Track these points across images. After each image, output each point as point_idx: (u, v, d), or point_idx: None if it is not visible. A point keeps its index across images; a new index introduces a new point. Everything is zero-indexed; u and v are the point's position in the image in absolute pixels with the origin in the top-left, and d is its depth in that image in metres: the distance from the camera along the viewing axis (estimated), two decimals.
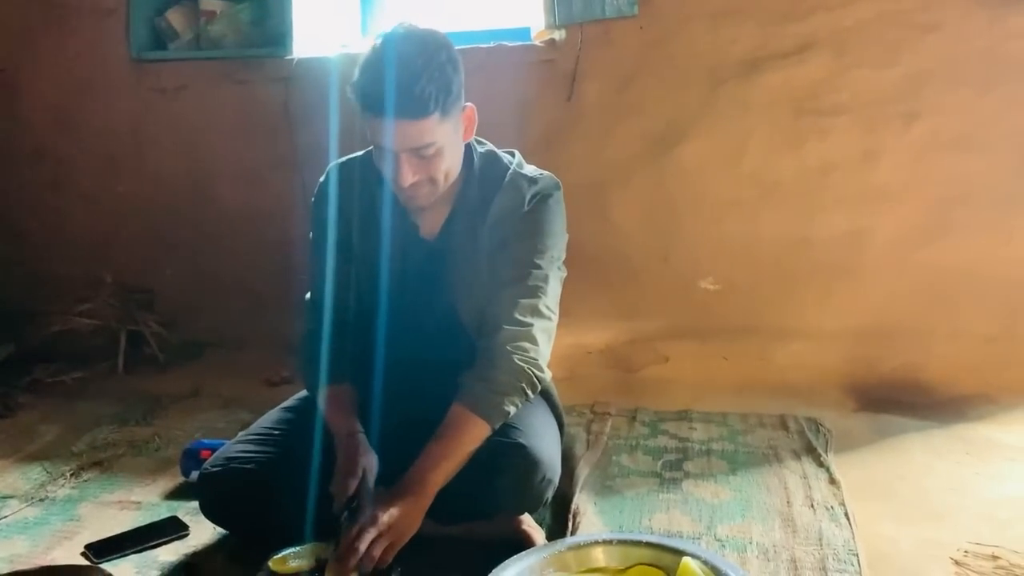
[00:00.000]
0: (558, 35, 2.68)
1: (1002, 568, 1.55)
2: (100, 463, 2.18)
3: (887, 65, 2.47)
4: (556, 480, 1.59)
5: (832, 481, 1.93)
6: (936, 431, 2.23)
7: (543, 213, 1.63)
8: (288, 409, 1.81)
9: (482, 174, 1.63)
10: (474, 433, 1.53)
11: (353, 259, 1.70)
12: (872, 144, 2.52)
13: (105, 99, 3.06)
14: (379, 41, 1.47)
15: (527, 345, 1.58)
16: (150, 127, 3.06)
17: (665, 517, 1.79)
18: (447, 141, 1.49)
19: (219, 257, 3.07)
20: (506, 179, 1.62)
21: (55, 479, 2.07)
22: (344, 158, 1.75)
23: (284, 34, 2.90)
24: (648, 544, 1.42)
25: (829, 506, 1.81)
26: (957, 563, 1.58)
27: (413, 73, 1.41)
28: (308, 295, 1.77)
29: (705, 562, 1.38)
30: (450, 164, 1.53)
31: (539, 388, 1.60)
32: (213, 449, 1.90)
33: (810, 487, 1.91)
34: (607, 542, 1.45)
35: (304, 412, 1.74)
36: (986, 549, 1.61)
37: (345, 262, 1.70)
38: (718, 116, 2.60)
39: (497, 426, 1.54)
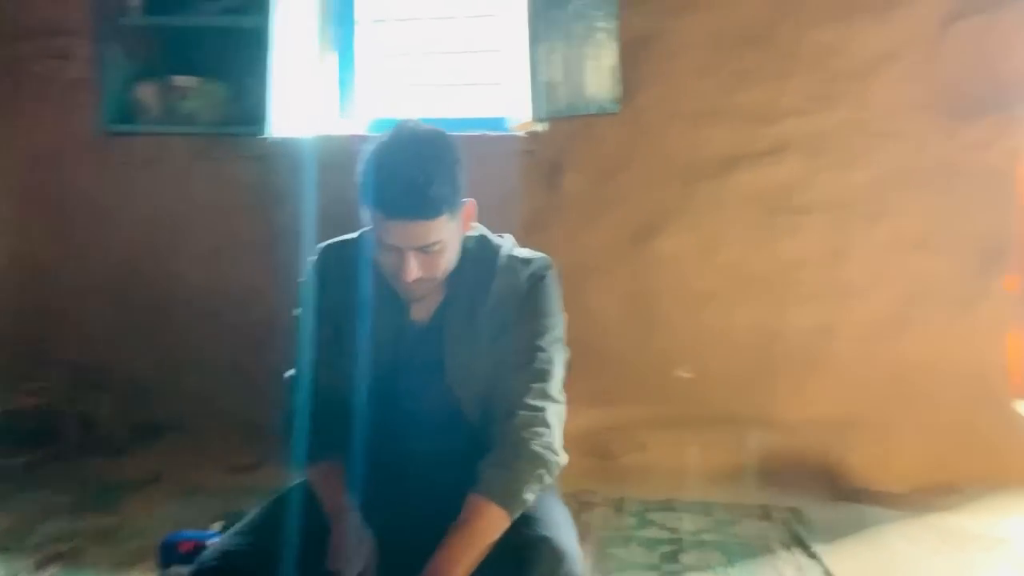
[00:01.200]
0: (541, 127, 2.75)
1: None
2: (62, 556, 2.05)
3: (854, 168, 2.62)
4: (579, 573, 1.57)
5: (826, 574, 1.96)
6: (911, 521, 2.31)
7: (541, 294, 1.63)
8: (282, 498, 1.74)
9: (475, 257, 1.63)
10: (495, 523, 1.49)
11: (344, 343, 1.67)
12: (840, 242, 2.65)
13: (72, 171, 2.98)
14: (389, 139, 1.49)
15: (542, 430, 1.57)
16: (115, 200, 2.99)
17: None
18: (451, 237, 1.51)
19: (180, 337, 2.98)
20: (501, 262, 1.62)
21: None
22: (333, 240, 1.73)
23: (260, 113, 2.89)
24: None
25: None
26: None
27: (427, 175, 1.43)
28: (291, 374, 1.73)
29: None
30: (451, 258, 1.55)
31: (555, 473, 1.60)
32: (193, 541, 1.82)
33: None
34: None
35: (300, 499, 1.68)
36: None
37: (334, 344, 1.67)
38: (695, 211, 2.70)
39: (517, 515, 1.52)
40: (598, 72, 2.66)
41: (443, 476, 1.69)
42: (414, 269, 1.48)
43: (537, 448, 1.54)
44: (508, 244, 1.69)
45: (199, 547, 1.82)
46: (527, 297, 1.62)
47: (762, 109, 2.65)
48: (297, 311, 1.74)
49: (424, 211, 1.44)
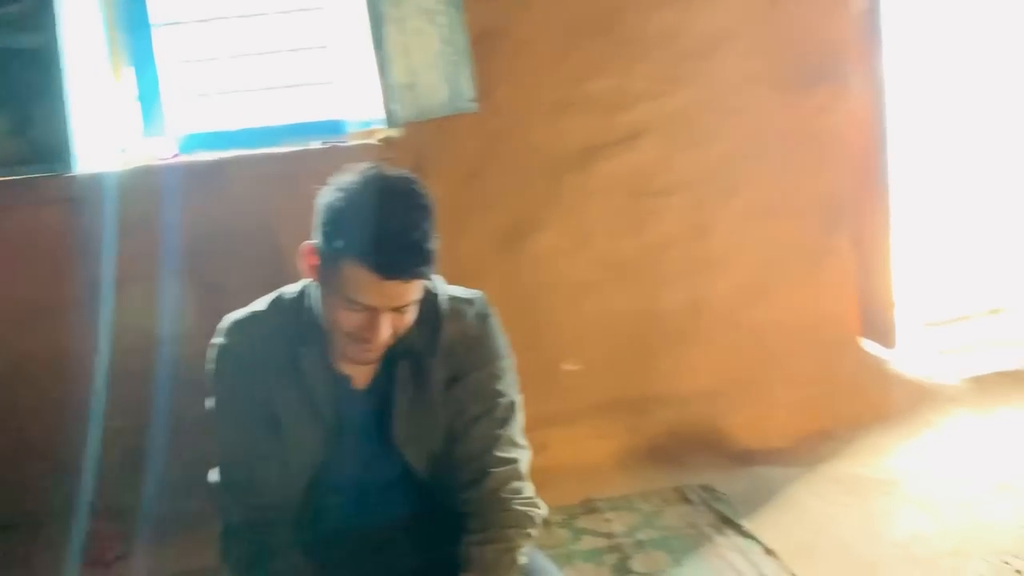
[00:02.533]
0: (395, 133, 2.58)
1: None
2: None
3: (706, 146, 2.69)
4: None
5: (768, 552, 2.05)
6: (808, 476, 2.47)
7: (491, 335, 1.54)
8: None
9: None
10: None
11: (282, 428, 1.50)
12: (700, 219, 2.73)
13: None
14: (364, 189, 1.34)
15: (520, 485, 1.51)
16: None
17: None
18: (421, 294, 1.41)
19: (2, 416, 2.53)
20: (444, 306, 1.51)
21: None
22: (240, 316, 1.53)
23: (60, 146, 2.47)
24: None
25: None
26: None
27: (423, 232, 1.32)
28: (220, 481, 1.52)
29: None
30: (415, 314, 1.43)
31: (539, 527, 1.53)
32: None
33: (754, 563, 2.02)
34: None
35: None
36: None
37: (270, 435, 1.49)
38: (563, 204, 2.66)
39: None
40: (450, 70, 2.52)
41: (401, 546, 1.60)
42: (385, 331, 1.36)
43: (521, 508, 1.48)
44: (441, 284, 1.57)
45: None
46: (477, 340, 1.52)
47: (615, 96, 2.64)
48: (213, 404, 1.53)
49: (423, 271, 1.33)
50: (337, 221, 1.34)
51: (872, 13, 2.69)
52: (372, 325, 1.34)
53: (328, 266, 1.35)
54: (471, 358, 1.51)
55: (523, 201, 2.65)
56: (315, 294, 1.42)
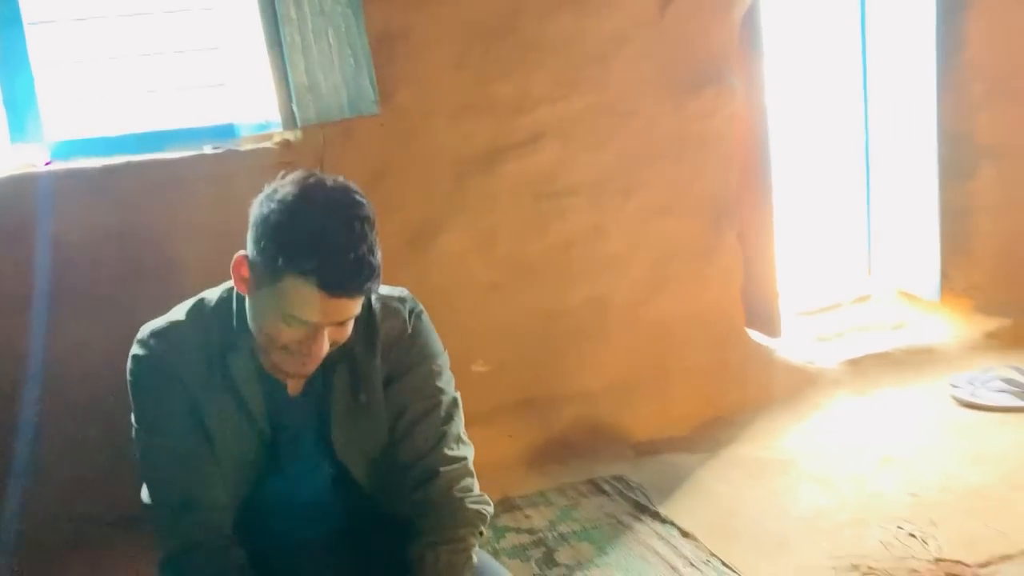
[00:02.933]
0: (293, 136, 2.52)
1: (867, 573, 1.89)
2: None
3: (603, 149, 2.78)
4: None
5: (685, 534, 2.14)
6: (710, 462, 2.58)
7: (427, 333, 1.55)
8: None
9: None
10: None
11: (212, 441, 1.44)
12: (599, 219, 2.81)
13: None
14: (303, 202, 1.29)
15: (470, 482, 1.53)
16: None
17: None
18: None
19: None
20: (377, 305, 1.49)
21: None
22: (157, 326, 1.47)
23: None
24: None
25: (705, 560, 2.02)
26: None
27: (370, 248, 1.29)
28: (152, 502, 1.45)
29: None
30: (352, 325, 1.40)
31: (487, 525, 1.54)
32: None
33: (674, 546, 2.10)
34: None
35: None
36: (843, 561, 1.94)
37: (200, 448, 1.44)
38: (468, 206, 2.68)
39: None
40: (351, 72, 2.48)
41: (341, 556, 1.59)
42: (325, 346, 1.33)
43: (473, 506, 1.49)
44: None
45: None
46: (413, 338, 1.52)
47: (516, 100, 2.69)
48: (135, 418, 1.45)
49: (371, 286, 1.30)
50: (276, 236, 1.28)
51: (752, 21, 2.85)
52: (312, 339, 1.32)
53: (265, 281, 1.31)
54: (409, 356, 1.49)
55: (429, 203, 2.65)
56: (245, 304, 1.37)
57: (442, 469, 1.47)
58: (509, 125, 2.68)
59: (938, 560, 1.91)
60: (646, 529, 2.19)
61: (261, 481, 1.49)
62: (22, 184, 2.39)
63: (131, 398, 1.45)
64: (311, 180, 1.33)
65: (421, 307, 1.56)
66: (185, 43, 2.72)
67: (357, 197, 1.34)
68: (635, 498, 2.36)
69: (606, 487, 2.45)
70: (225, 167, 2.47)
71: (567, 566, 2.05)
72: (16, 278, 2.33)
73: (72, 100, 2.69)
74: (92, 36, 2.69)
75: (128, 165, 2.43)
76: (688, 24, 2.79)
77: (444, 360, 1.56)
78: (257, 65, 2.53)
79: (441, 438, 1.49)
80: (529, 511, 2.35)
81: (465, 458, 1.52)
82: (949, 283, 3.29)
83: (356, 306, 1.32)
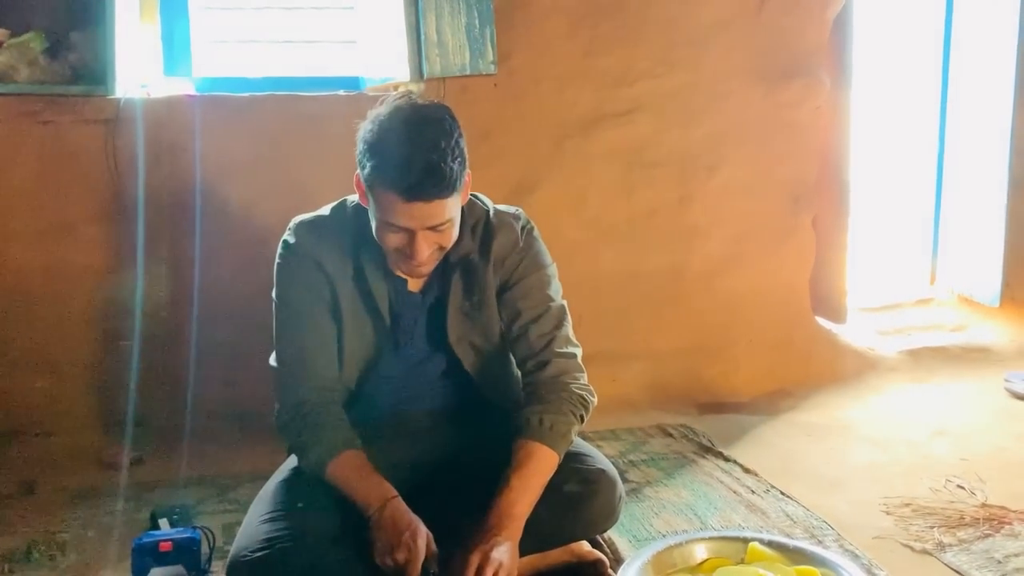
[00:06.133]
0: (416, 87, 2.78)
1: (915, 510, 2.06)
2: None
3: (693, 126, 2.99)
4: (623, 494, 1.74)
5: (747, 471, 2.32)
6: (771, 422, 2.76)
7: (537, 246, 1.74)
8: (288, 481, 1.69)
9: (465, 219, 1.66)
10: (548, 464, 1.61)
11: (341, 321, 1.67)
12: (684, 191, 3.01)
13: None
14: (391, 117, 1.49)
15: (578, 374, 1.72)
16: None
17: (661, 520, 2.02)
18: (457, 211, 1.55)
19: (13, 329, 2.60)
20: (494, 220, 1.69)
21: None
22: (305, 217, 1.71)
23: (103, 70, 2.57)
24: (744, 539, 1.63)
25: (766, 490, 2.19)
26: (887, 513, 2.05)
27: (442, 155, 1.45)
28: (278, 364, 1.69)
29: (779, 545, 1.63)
30: (456, 231, 1.58)
31: (590, 412, 1.73)
32: (172, 540, 1.72)
33: (736, 478, 2.28)
34: (701, 539, 1.64)
35: (311, 482, 1.64)
36: (895, 500, 2.11)
37: (328, 325, 1.66)
38: (564, 167, 2.91)
39: (563, 453, 1.64)
40: (474, 34, 2.74)
41: (445, 431, 1.77)
42: (425, 249, 1.51)
43: (578, 391, 1.68)
44: (488, 200, 1.77)
45: (179, 545, 1.71)
46: (526, 250, 1.72)
47: (618, 73, 2.91)
48: (276, 294, 1.68)
49: (443, 191, 1.46)
50: (367, 150, 1.49)
51: (844, 22, 3.04)
52: (411, 243, 1.51)
53: (368, 192, 1.52)
54: (521, 267, 1.70)
55: (529, 161, 2.89)
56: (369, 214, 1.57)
57: (553, 360, 1.67)
58: (609, 95, 2.91)
59: (984, 505, 2.07)
60: (710, 465, 2.38)
61: (378, 361, 1.70)
62: (176, 106, 2.68)
63: (275, 277, 1.68)
64: (402, 100, 1.53)
65: (532, 224, 1.76)
66: (323, 1, 3.01)
67: (437, 113, 1.51)
68: (700, 441, 2.55)
69: (673, 432, 2.64)
70: (354, 108, 2.70)
71: (637, 483, 2.25)
72: (168, 190, 2.62)
73: (219, 43, 3.00)
74: None
75: (269, 98, 2.71)
76: (784, 19, 2.99)
77: (553, 271, 1.77)
78: (391, 22, 2.80)
79: (552, 340, 1.68)
80: (600, 443, 2.55)
81: (575, 355, 1.72)
82: (1010, 291, 3.41)
83: (440, 211, 1.48)
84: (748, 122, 3.02)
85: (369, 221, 1.57)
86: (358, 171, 1.54)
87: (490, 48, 2.75)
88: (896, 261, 3.87)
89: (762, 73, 3.01)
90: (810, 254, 3.17)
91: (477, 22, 2.72)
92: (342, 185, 1.66)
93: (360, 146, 1.51)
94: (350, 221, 1.64)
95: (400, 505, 1.54)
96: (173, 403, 2.60)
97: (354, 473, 1.58)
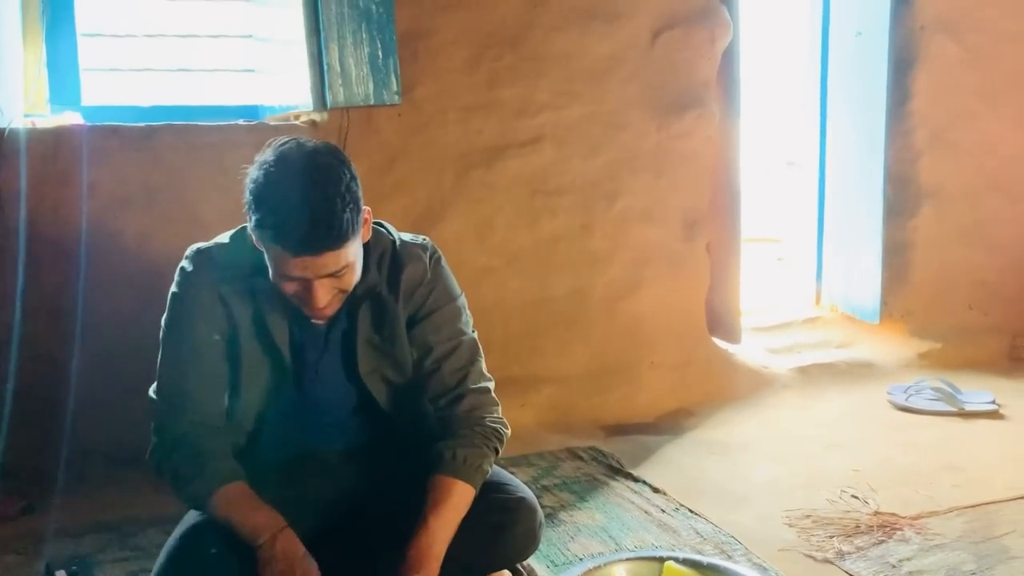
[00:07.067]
0: (319, 117, 2.76)
1: (815, 522, 2.16)
2: None
3: (594, 156, 3.07)
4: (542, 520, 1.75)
5: (656, 490, 2.38)
6: (675, 441, 2.84)
7: (446, 277, 1.73)
8: (196, 530, 1.62)
9: (370, 251, 1.64)
10: (464, 499, 1.62)
11: (239, 356, 1.62)
12: (587, 219, 3.09)
13: None
14: (277, 163, 1.45)
15: (492, 407, 1.74)
16: None
17: (578, 544, 2.06)
18: (357, 253, 1.52)
19: None
20: (401, 251, 1.67)
21: None
22: (205, 245, 1.66)
23: None
24: (660, 559, 1.68)
25: (675, 508, 2.26)
26: (790, 525, 2.14)
27: (330, 202, 1.40)
28: (157, 396, 1.62)
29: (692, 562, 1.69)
30: (358, 271, 1.55)
31: (504, 444, 1.75)
32: None
33: (646, 498, 2.34)
34: (618, 561, 1.68)
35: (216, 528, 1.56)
36: (796, 513, 2.21)
37: (220, 359, 1.61)
38: (469, 197, 2.94)
39: (479, 487, 1.66)
40: (378, 64, 2.74)
41: (347, 471, 1.74)
42: (323, 296, 1.48)
43: (492, 424, 1.70)
44: (393, 230, 1.75)
45: None
46: (434, 282, 1.70)
47: (520, 104, 2.97)
48: (166, 322, 1.64)
49: (334, 243, 1.42)
50: (253, 202, 1.44)
51: (732, 57, 3.20)
52: (308, 293, 1.47)
53: (258, 241, 1.48)
54: (431, 299, 1.69)
55: (435, 190, 2.91)
56: None
57: (467, 396, 1.68)
58: (512, 126, 2.96)
59: (877, 513, 2.19)
60: (620, 486, 2.43)
61: (284, 399, 1.66)
62: (64, 137, 2.58)
63: (168, 304, 1.62)
64: (287, 147, 1.48)
65: (440, 253, 1.76)
66: (220, 29, 2.96)
67: (325, 158, 1.47)
68: (609, 463, 2.60)
69: (582, 454, 2.69)
70: (254, 137, 2.68)
71: (552, 508, 2.27)
72: (54, 224, 2.51)
73: (108, 71, 2.90)
74: (133, 14, 2.91)
75: (165, 128, 2.64)
76: (676, 54, 3.12)
77: (462, 302, 1.76)
78: (292, 51, 2.77)
79: (466, 375, 1.69)
80: (512, 468, 2.56)
81: (488, 389, 1.73)
82: (888, 309, 3.65)
83: (337, 259, 1.44)
84: (645, 152, 3.13)
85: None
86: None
87: (394, 78, 2.76)
88: (785, 283, 4.07)
89: (657, 105, 3.12)
90: (705, 277, 3.30)
91: (380, 52, 2.73)
92: (242, 215, 1.58)
93: (246, 195, 1.46)
94: (250, 250, 1.57)
95: (292, 536, 1.51)
96: (67, 447, 2.47)
97: (241, 503, 1.53)
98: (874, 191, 3.61)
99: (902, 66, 3.53)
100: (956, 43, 3.52)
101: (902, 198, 3.61)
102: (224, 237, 1.66)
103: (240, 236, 1.62)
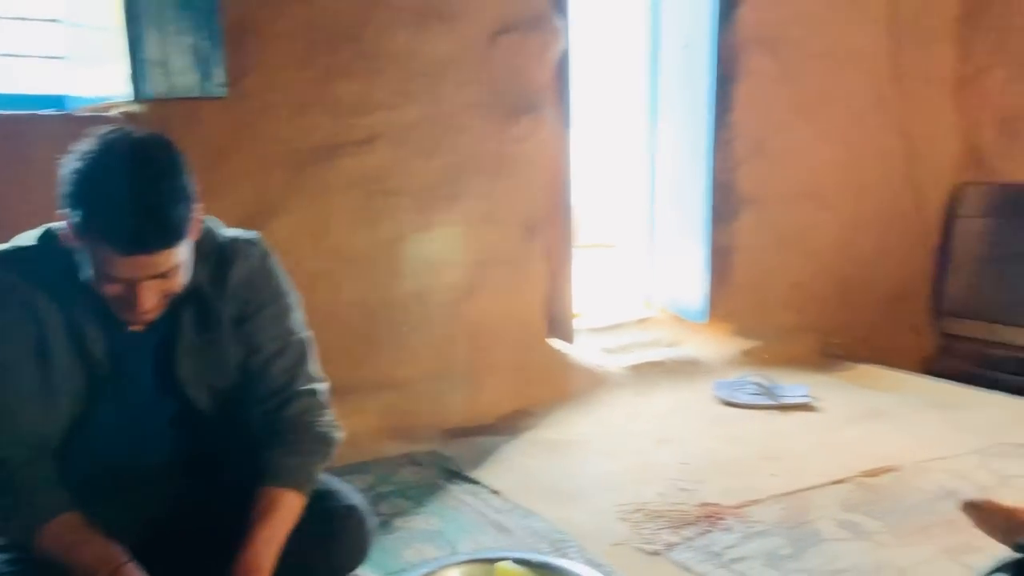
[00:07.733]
0: (138, 108, 2.59)
1: (646, 515, 2.22)
2: None
3: (433, 157, 3.04)
4: (375, 527, 1.70)
5: (493, 492, 2.39)
6: (514, 442, 2.86)
7: (276, 274, 1.64)
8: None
9: (195, 248, 1.49)
10: (293, 510, 1.54)
11: (50, 367, 1.47)
12: (426, 220, 3.06)
13: None
14: (103, 155, 1.32)
15: (322, 411, 1.67)
16: None
17: (412, 551, 2.02)
18: (187, 253, 1.42)
19: None
20: (228, 247, 1.57)
21: None
22: (8, 247, 1.50)
23: None
24: (497, 560, 1.67)
25: (511, 508, 2.27)
26: (623, 519, 2.20)
27: (163, 200, 1.31)
28: None
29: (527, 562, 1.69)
30: (187, 272, 1.44)
31: (336, 450, 1.69)
32: None
33: (483, 499, 2.34)
34: (452, 565, 1.66)
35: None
36: (628, 507, 2.27)
37: (34, 372, 1.47)
38: (304, 195, 2.84)
39: (309, 495, 1.60)
40: (202, 54, 2.60)
41: (171, 481, 1.64)
42: (149, 299, 1.38)
43: (322, 429, 1.63)
44: (218, 224, 1.64)
45: None
46: (263, 280, 1.61)
47: (356, 101, 2.90)
48: None
49: (167, 241, 1.33)
50: (75, 196, 1.30)
51: (565, 64, 3.26)
52: (133, 293, 1.36)
53: (77, 239, 1.33)
54: (259, 297, 1.59)
55: (265, 188, 2.79)
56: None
57: (295, 399, 1.60)
58: (347, 124, 2.89)
59: (702, 504, 2.29)
60: (458, 489, 2.42)
61: (99, 411, 1.52)
62: None
63: None
64: (114, 135, 1.34)
65: (271, 250, 1.66)
66: (24, 12, 2.73)
67: (158, 151, 1.35)
68: (448, 467, 2.58)
69: (421, 460, 2.66)
70: (62, 128, 2.47)
71: (387, 515, 2.23)
72: None
73: None
74: None
75: None
76: (513, 58, 3.15)
77: (294, 300, 1.67)
78: (106, 38, 2.59)
79: (294, 376, 1.61)
80: (349, 476, 2.49)
81: (319, 391, 1.65)
82: (714, 310, 3.83)
83: (168, 259, 1.33)
84: (483, 155, 3.14)
85: (79, 253, 1.39)
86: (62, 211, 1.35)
87: (220, 69, 2.63)
88: (617, 285, 4.19)
89: (496, 108, 3.14)
90: (542, 280, 3.34)
91: (206, 42, 2.59)
92: (48, 213, 1.46)
93: (66, 188, 1.32)
94: (58, 252, 1.42)
95: (134, 571, 1.40)
96: None
97: (74, 536, 1.41)
98: (700, 198, 3.78)
99: (725, 78, 3.72)
100: (772, 58, 3.75)
101: (725, 204, 3.80)
102: (29, 239, 1.49)
103: (46, 237, 1.47)
